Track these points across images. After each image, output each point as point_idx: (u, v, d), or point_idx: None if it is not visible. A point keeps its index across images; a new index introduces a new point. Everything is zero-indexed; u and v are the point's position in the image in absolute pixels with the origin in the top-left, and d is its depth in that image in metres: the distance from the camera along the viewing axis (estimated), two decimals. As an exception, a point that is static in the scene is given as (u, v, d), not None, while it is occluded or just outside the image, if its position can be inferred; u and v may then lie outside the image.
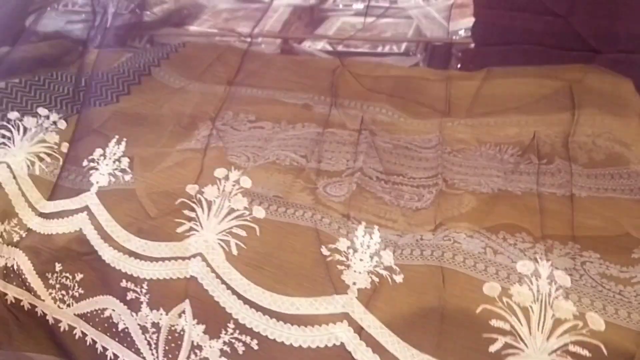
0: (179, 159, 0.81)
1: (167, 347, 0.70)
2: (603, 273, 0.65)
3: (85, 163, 0.81)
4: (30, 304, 0.74)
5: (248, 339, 0.66)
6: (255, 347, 0.65)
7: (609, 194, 0.77)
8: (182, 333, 0.69)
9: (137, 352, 0.71)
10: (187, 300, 0.69)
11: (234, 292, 0.67)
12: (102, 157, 0.80)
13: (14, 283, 0.74)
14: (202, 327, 0.68)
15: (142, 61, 1.22)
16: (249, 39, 1.44)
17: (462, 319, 0.61)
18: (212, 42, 1.36)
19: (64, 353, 0.75)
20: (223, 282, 0.67)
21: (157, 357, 0.70)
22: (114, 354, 0.73)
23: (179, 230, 0.71)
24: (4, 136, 0.82)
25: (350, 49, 1.32)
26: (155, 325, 0.70)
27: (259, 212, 0.70)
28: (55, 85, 1.10)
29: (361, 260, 0.66)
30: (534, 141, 0.88)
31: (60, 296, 0.73)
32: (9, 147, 0.81)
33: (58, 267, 0.73)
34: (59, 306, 0.73)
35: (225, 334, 0.67)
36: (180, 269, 0.69)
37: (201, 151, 0.82)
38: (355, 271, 0.65)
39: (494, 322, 0.60)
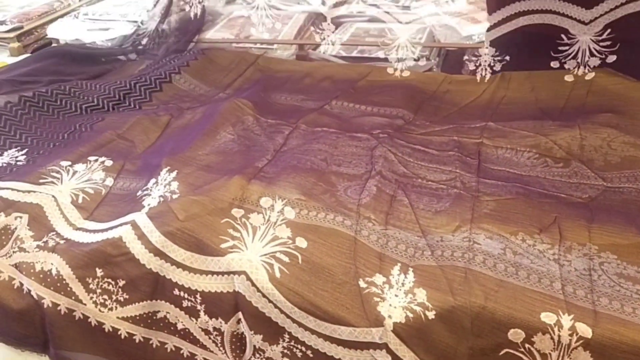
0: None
1: (232, 346, 0.73)
2: (621, 273, 0.67)
3: (139, 193, 0.84)
4: (67, 308, 0.77)
5: (304, 349, 0.70)
6: (311, 355, 0.69)
7: (624, 196, 0.79)
8: (244, 335, 0.73)
9: (204, 347, 0.75)
10: (239, 312, 0.72)
11: (282, 312, 0.69)
12: (155, 185, 0.84)
13: (52, 288, 0.77)
14: (260, 336, 0.71)
15: (163, 68, 1.24)
16: (265, 46, 1.47)
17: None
18: (230, 49, 1.39)
19: (113, 351, 0.78)
20: (270, 301, 0.69)
21: (226, 352, 0.73)
22: (175, 347, 0.76)
23: (223, 245, 0.73)
24: (54, 177, 0.87)
25: (364, 54, 1.34)
26: (217, 329, 0.74)
27: (302, 242, 0.72)
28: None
29: (396, 296, 0.68)
30: (550, 144, 0.90)
31: (102, 300, 0.76)
32: (56, 184, 0.86)
33: (99, 272, 0.76)
34: (100, 310, 0.76)
35: (282, 341, 0.71)
36: (228, 284, 0.72)
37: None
38: (390, 305, 0.67)
39: None
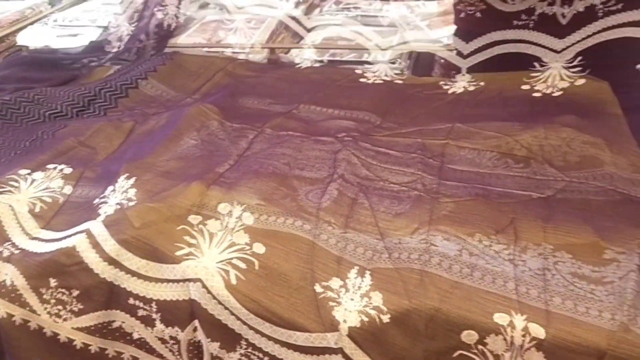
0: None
1: (190, 355, 0.73)
2: (575, 272, 0.67)
3: (96, 201, 0.83)
4: (22, 319, 0.76)
5: (261, 355, 0.69)
6: None
7: (582, 195, 0.79)
8: (201, 343, 0.72)
9: (160, 356, 0.74)
10: (196, 320, 0.71)
11: (238, 319, 0.69)
12: (112, 192, 0.83)
13: (6, 298, 0.76)
14: (217, 344, 0.71)
15: (129, 74, 1.24)
16: (236, 50, 1.46)
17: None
18: (201, 53, 1.39)
19: None
20: (226, 308, 0.69)
21: None
22: (132, 356, 0.76)
23: (178, 253, 0.73)
24: (12, 185, 0.86)
25: (336, 57, 1.34)
26: (174, 338, 0.73)
27: (260, 247, 0.72)
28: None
29: (352, 299, 0.67)
30: (511, 144, 0.90)
31: (56, 311, 0.75)
32: (14, 193, 0.85)
33: (53, 282, 0.75)
34: (54, 320, 0.75)
35: (240, 348, 0.70)
36: (183, 291, 0.71)
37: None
38: (346, 309, 0.67)
39: None
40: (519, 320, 0.62)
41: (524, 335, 0.61)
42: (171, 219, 0.76)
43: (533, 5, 1.11)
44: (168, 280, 0.72)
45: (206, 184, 0.82)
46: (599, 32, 1.07)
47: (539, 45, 1.12)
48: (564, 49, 1.09)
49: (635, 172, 0.82)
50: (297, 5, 1.61)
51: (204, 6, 1.80)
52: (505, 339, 0.62)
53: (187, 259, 0.71)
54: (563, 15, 1.08)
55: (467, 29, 1.20)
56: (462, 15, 1.20)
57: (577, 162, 0.84)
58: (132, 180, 0.83)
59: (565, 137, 0.88)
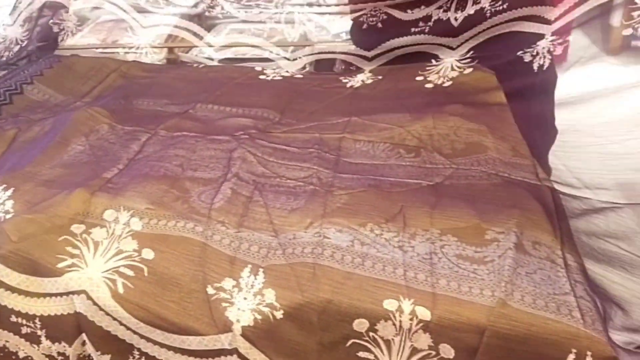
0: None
1: None
2: (460, 254, 0.69)
3: None
4: None
5: None
6: None
7: (468, 180, 0.82)
8: (91, 357, 0.69)
9: None
10: (83, 334, 0.68)
11: (128, 328, 0.66)
12: None
13: None
14: (107, 356, 0.68)
15: (14, 79, 1.16)
16: (133, 50, 1.41)
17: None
18: (94, 55, 1.33)
19: None
20: (114, 318, 0.66)
21: None
22: None
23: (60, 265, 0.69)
24: None
25: (238, 55, 1.32)
26: (62, 354, 0.69)
27: (149, 253, 0.69)
28: None
29: (245, 299, 0.67)
30: (403, 135, 0.93)
31: None
32: None
33: None
34: None
35: (132, 358, 0.67)
36: (68, 305, 0.68)
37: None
38: (239, 309, 0.66)
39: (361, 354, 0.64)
40: (407, 305, 0.64)
41: (411, 319, 0.63)
42: (52, 229, 0.72)
43: (430, 13, 1.17)
44: (51, 295, 0.68)
45: (90, 190, 0.78)
46: (487, 29, 1.13)
47: (436, 44, 1.18)
48: (458, 46, 1.15)
49: (516, 156, 0.86)
50: (196, 4, 1.57)
51: (98, 6, 1.73)
52: (394, 324, 0.63)
53: (70, 271, 0.68)
54: (455, 19, 1.15)
55: (369, 39, 1.24)
56: (365, 26, 1.24)
57: (463, 149, 0.88)
58: (9, 192, 0.78)
59: (452, 125, 0.92)
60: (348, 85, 1.14)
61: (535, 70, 1.01)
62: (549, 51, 0.96)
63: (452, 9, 1.15)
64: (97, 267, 0.68)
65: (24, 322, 0.68)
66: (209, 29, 1.48)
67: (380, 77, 1.15)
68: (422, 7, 1.18)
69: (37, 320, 0.68)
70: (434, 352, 0.63)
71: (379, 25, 1.23)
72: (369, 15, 1.24)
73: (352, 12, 1.27)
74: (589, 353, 0.59)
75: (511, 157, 0.86)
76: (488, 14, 1.12)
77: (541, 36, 1.01)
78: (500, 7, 1.11)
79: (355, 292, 0.66)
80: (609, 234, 0.74)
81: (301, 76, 1.21)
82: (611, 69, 0.95)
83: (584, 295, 0.65)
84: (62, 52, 1.39)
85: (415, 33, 1.18)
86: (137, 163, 0.87)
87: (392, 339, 0.63)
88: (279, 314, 0.65)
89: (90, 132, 0.96)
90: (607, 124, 0.88)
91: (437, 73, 1.12)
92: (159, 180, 0.82)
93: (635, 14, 0.89)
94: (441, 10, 1.17)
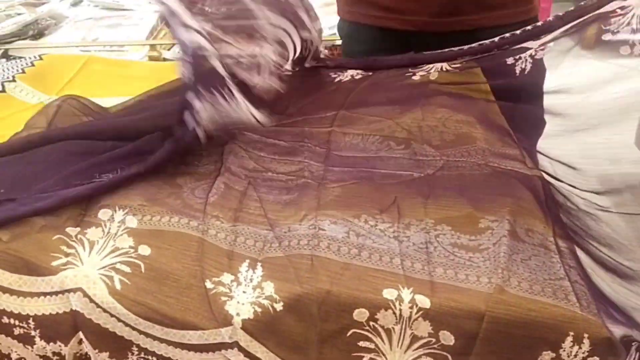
0: None
1: None
2: (455, 243, 0.70)
3: None
4: None
5: (155, 359, 0.66)
6: None
7: (459, 171, 0.84)
8: (88, 356, 0.68)
9: None
10: (80, 332, 0.67)
11: (127, 325, 0.65)
12: None
13: None
14: (106, 354, 0.67)
15: (-4, 77, 1.14)
16: (115, 48, 1.40)
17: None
18: (73, 53, 1.31)
19: None
20: (112, 315, 0.65)
21: None
22: None
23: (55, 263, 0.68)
24: None
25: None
26: (58, 354, 0.68)
27: (145, 249, 0.69)
28: None
29: (244, 292, 0.66)
30: (393, 127, 0.93)
31: None
32: None
33: None
34: None
35: (132, 355, 0.66)
36: (63, 303, 0.67)
37: None
38: (239, 302, 0.66)
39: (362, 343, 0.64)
40: (406, 294, 0.65)
41: (411, 307, 0.64)
42: (45, 228, 0.70)
43: None
44: (45, 294, 0.67)
45: (85, 190, 0.77)
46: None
47: None
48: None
49: (505, 147, 0.88)
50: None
51: (76, 4, 1.70)
52: (394, 313, 0.64)
53: (65, 269, 0.67)
54: None
55: None
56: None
57: (452, 141, 0.89)
58: None
59: (441, 117, 0.93)
60: (336, 80, 1.14)
61: (517, 74, 1.03)
62: (531, 55, 0.98)
63: None
64: (93, 265, 0.67)
65: (17, 322, 0.67)
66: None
67: (370, 73, 1.15)
68: None
69: (30, 321, 0.67)
70: (434, 340, 0.63)
71: None
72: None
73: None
74: (585, 335, 0.61)
75: (500, 148, 0.87)
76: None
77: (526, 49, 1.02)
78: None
79: (354, 283, 0.66)
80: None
81: (290, 72, 1.21)
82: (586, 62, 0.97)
83: (578, 280, 0.66)
84: (39, 50, 1.37)
85: None
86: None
87: (393, 328, 0.64)
88: (278, 306, 0.65)
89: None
90: (586, 115, 0.89)
91: (426, 71, 1.13)
92: (151, 177, 0.81)
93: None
94: None
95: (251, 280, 0.67)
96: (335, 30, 1.46)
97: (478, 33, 1.13)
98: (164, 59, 1.35)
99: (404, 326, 0.64)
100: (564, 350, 0.62)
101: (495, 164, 0.83)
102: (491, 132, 0.90)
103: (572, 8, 0.94)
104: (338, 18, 1.35)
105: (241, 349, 0.64)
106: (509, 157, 0.85)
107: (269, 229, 0.74)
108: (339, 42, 1.32)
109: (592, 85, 0.86)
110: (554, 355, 0.62)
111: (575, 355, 0.61)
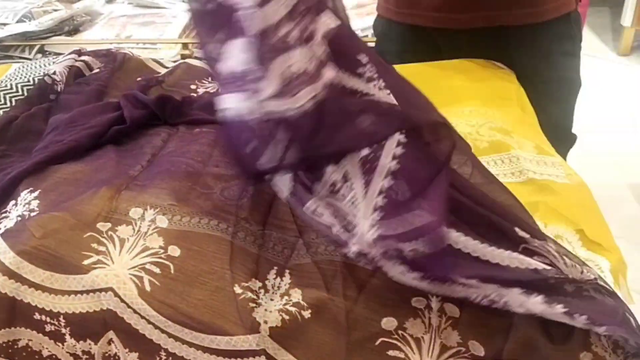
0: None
1: None
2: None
3: None
4: None
5: None
6: None
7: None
8: (117, 356, 0.68)
9: None
10: (110, 332, 0.67)
11: (156, 327, 0.65)
12: (14, 206, 0.77)
13: None
14: (135, 354, 0.67)
15: (33, 73, 1.16)
16: (148, 46, 1.41)
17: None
18: (108, 50, 1.32)
19: None
20: (142, 317, 0.65)
21: None
22: None
23: (86, 262, 0.68)
24: None
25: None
26: (87, 352, 0.68)
27: (175, 250, 0.69)
28: None
29: (272, 300, 0.66)
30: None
31: None
32: None
33: None
34: None
35: (159, 358, 0.66)
36: (94, 302, 0.67)
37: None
38: (266, 310, 0.65)
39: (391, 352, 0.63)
40: (435, 302, 0.64)
41: (440, 316, 0.63)
42: (77, 226, 0.71)
43: None
44: (76, 292, 0.67)
45: (116, 188, 0.78)
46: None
47: None
48: None
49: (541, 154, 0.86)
50: None
51: (111, 1, 1.73)
52: (423, 322, 0.63)
53: (96, 268, 0.67)
54: None
55: None
56: None
57: (486, 148, 0.88)
58: (36, 193, 0.78)
59: (475, 124, 0.91)
60: None
61: None
62: None
63: None
64: (123, 264, 0.68)
65: (48, 319, 0.68)
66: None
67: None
68: None
69: (61, 318, 0.68)
70: (463, 349, 0.62)
71: None
72: None
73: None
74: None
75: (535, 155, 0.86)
76: None
77: None
78: None
79: (382, 291, 0.65)
80: None
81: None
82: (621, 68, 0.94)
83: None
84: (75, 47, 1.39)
85: None
86: (160, 159, 0.87)
87: (422, 337, 0.63)
88: (306, 314, 0.64)
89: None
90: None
91: None
92: (182, 177, 0.81)
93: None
94: None
95: (279, 287, 0.67)
96: (368, 32, 1.45)
97: (504, 30, 1.11)
98: (196, 58, 1.36)
99: (433, 335, 0.63)
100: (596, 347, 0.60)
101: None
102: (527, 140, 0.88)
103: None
104: (370, 19, 1.34)
105: (269, 357, 0.64)
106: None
107: (297, 235, 0.74)
108: (372, 44, 1.30)
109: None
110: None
111: None
